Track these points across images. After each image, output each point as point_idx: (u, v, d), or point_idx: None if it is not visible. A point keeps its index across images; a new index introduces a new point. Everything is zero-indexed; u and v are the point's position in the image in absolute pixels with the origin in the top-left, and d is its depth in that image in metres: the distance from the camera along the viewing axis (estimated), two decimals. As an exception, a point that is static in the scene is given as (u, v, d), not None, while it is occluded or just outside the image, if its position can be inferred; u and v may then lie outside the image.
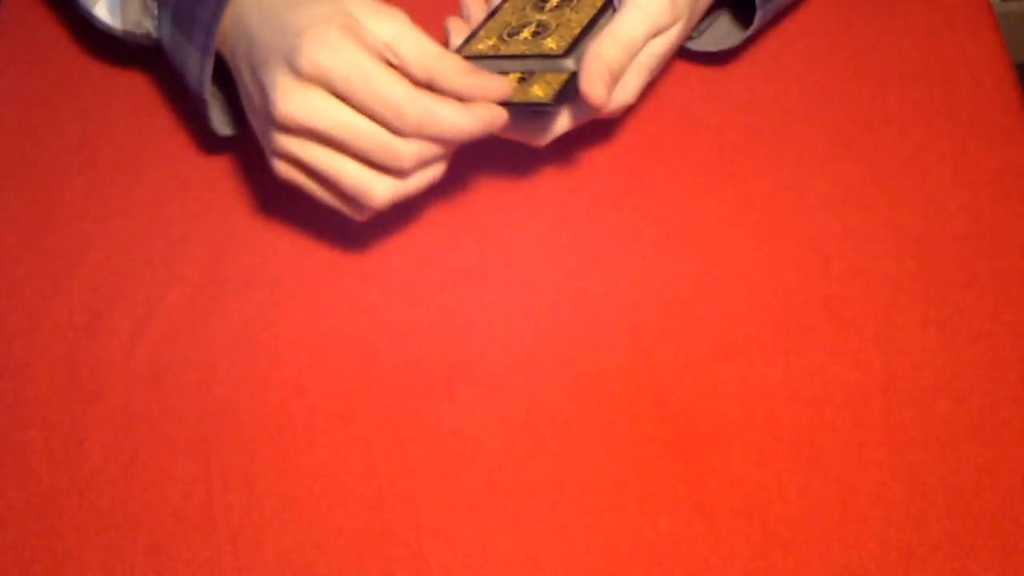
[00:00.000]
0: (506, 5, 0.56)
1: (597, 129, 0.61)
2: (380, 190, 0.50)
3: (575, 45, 0.52)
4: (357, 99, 0.48)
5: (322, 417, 0.54)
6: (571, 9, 0.54)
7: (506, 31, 0.55)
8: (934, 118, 0.62)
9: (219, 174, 0.61)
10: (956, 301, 0.56)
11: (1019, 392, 0.54)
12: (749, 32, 0.60)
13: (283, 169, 0.52)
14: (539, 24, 0.54)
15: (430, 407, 0.54)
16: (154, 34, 0.58)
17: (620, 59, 0.51)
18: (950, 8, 0.66)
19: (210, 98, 0.56)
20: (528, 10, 0.55)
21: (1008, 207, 0.59)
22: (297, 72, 0.48)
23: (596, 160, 0.61)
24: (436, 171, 0.52)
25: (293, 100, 0.48)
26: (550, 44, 0.53)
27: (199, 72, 0.54)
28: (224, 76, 0.57)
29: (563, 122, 0.54)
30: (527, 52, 0.53)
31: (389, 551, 0.51)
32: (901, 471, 0.52)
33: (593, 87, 0.50)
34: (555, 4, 0.55)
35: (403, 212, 0.60)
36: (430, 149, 0.50)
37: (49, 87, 0.65)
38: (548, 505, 0.52)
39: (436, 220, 0.59)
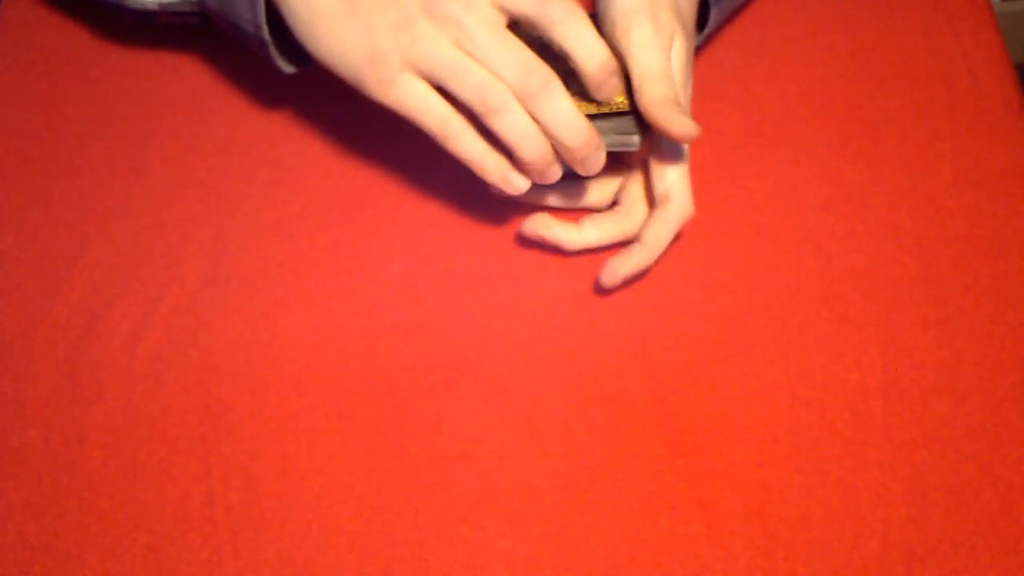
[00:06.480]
0: None
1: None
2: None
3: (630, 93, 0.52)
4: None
5: (322, 417, 0.54)
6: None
7: None
8: (934, 118, 0.62)
9: (219, 174, 0.61)
10: (956, 301, 0.56)
11: (1019, 392, 0.54)
12: (706, 31, 0.60)
13: (408, 83, 0.50)
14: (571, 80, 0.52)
15: (430, 407, 0.54)
16: None
17: (674, 88, 0.51)
18: (950, 8, 0.66)
19: (269, 40, 0.55)
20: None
21: (1008, 207, 0.59)
22: None
23: (596, 160, 0.61)
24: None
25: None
26: (619, 100, 0.52)
27: (253, 15, 0.54)
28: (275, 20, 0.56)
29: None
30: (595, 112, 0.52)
31: (389, 551, 0.51)
32: (901, 471, 0.52)
33: (682, 126, 0.51)
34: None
35: (403, 212, 0.60)
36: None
37: (49, 87, 0.65)
38: (548, 505, 0.52)
39: (436, 220, 0.59)
